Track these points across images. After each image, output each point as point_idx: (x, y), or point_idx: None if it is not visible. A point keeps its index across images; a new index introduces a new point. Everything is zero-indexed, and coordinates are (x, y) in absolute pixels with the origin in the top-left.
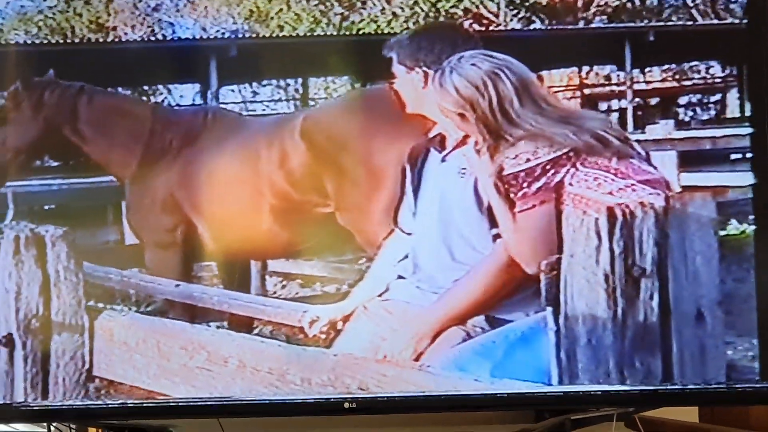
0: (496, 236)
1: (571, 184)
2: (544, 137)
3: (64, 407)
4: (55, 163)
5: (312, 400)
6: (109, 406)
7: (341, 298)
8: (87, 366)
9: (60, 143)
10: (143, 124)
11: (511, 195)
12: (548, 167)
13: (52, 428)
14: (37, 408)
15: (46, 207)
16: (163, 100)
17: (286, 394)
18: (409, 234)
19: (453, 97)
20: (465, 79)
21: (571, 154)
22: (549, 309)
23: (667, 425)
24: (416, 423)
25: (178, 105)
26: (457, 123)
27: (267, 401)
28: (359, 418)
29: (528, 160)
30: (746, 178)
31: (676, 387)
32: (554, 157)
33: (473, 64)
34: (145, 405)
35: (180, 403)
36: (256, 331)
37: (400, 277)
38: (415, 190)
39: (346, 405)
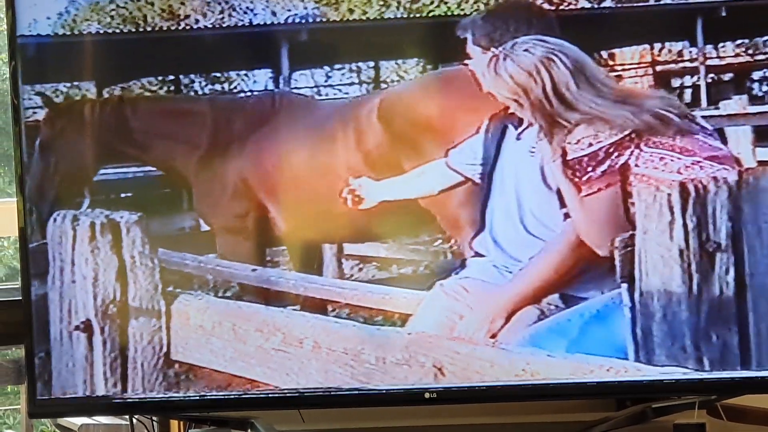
0: (567, 215)
1: (637, 165)
2: (603, 120)
3: (144, 400)
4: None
5: (392, 391)
6: (190, 398)
7: (418, 279)
8: (165, 350)
9: (115, 156)
10: (204, 118)
11: (576, 180)
12: (611, 150)
13: (134, 420)
14: (118, 401)
15: (123, 195)
16: (234, 87)
17: (362, 374)
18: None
19: (507, 84)
20: (518, 65)
21: (633, 135)
22: (624, 286)
23: (750, 413)
24: (496, 412)
25: (242, 92)
26: (515, 109)
27: (345, 392)
28: (434, 407)
29: (590, 144)
30: None
31: (760, 375)
32: (616, 140)
33: (526, 50)
34: (225, 397)
35: (261, 395)
36: (333, 314)
37: (477, 254)
38: (493, 167)
39: (427, 395)
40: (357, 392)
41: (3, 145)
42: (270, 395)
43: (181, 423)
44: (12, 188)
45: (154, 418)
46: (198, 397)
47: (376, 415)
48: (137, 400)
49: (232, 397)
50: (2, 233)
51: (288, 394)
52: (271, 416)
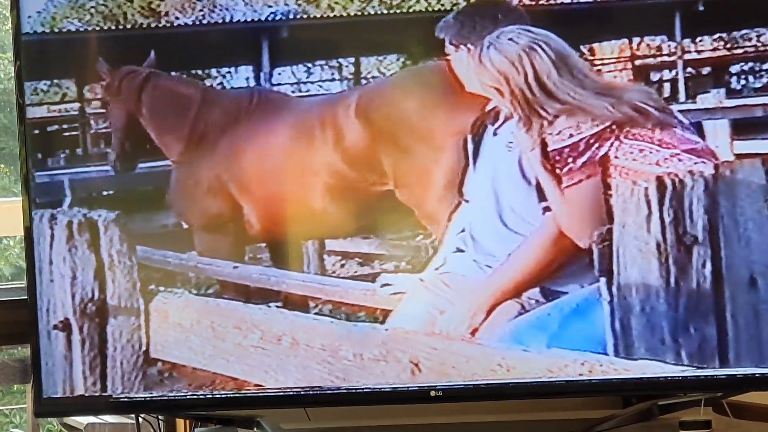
0: (546, 209)
1: (617, 157)
2: (584, 111)
3: (150, 399)
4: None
5: (398, 389)
6: (195, 397)
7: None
8: (144, 348)
9: (138, 132)
10: (191, 106)
11: (557, 171)
12: (592, 141)
13: (140, 419)
14: (124, 400)
15: (105, 193)
16: (220, 84)
17: (339, 371)
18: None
19: (490, 73)
20: (501, 54)
21: (613, 127)
22: (602, 279)
23: (755, 409)
24: (501, 409)
25: (226, 87)
26: (497, 98)
27: (353, 390)
28: (441, 405)
29: (571, 135)
30: None
31: (766, 372)
32: (597, 131)
33: (511, 39)
34: (232, 396)
35: (267, 394)
36: (315, 310)
37: (458, 249)
38: (474, 164)
39: (432, 393)
40: (362, 390)
41: (8, 145)
42: (278, 395)
43: (187, 422)
44: (17, 187)
45: (160, 417)
46: (205, 396)
47: (381, 413)
48: (143, 399)
49: (240, 395)
50: (8, 232)
51: (296, 393)
52: (277, 415)
